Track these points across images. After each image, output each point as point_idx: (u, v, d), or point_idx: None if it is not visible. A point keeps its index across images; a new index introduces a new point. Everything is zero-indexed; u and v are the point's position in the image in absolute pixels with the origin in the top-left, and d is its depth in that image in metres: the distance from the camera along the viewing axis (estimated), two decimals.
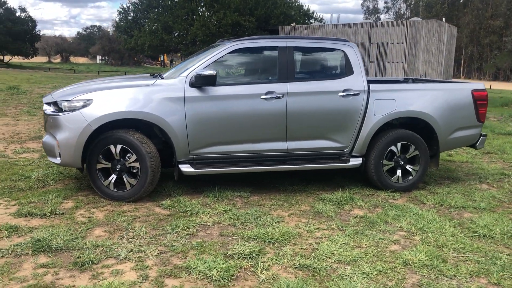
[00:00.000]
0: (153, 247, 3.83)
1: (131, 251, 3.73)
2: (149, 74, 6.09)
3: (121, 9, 37.46)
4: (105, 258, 3.59)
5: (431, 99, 5.83)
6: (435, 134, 5.83)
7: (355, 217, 4.77)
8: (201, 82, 5.01)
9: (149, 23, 33.24)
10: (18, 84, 19.37)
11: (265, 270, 3.51)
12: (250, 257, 3.70)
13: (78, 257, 3.56)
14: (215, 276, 3.33)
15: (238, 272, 3.46)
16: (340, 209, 5.06)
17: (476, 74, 66.51)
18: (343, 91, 5.49)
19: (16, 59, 50.56)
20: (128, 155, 4.98)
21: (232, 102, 5.19)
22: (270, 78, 5.47)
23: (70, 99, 4.92)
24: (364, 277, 3.44)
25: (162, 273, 3.38)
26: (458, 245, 4.11)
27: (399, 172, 5.80)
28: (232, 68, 5.57)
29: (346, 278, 3.41)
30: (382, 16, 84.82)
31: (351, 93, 5.51)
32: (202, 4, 32.00)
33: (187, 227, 4.31)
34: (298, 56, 5.56)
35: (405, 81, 7.35)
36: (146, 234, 4.13)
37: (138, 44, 33.58)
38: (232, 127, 5.22)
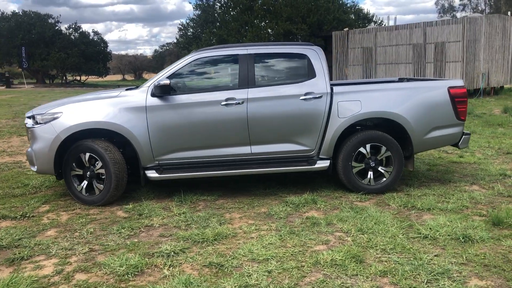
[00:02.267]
0: (87, 246, 4.15)
1: (63, 249, 4.07)
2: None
3: (181, 26, 39.15)
4: (37, 255, 3.97)
5: (401, 98, 5.69)
6: (407, 134, 5.68)
7: (303, 219, 4.80)
8: (158, 91, 5.32)
9: (206, 38, 34.39)
10: None
11: (173, 267, 3.69)
12: (168, 255, 3.90)
13: (14, 254, 3.97)
14: (120, 272, 3.58)
15: (147, 268, 3.68)
16: (295, 211, 5.10)
17: None
18: (305, 94, 5.53)
19: (92, 78, 54.36)
20: (97, 162, 5.38)
21: (192, 109, 5.43)
22: (231, 85, 5.66)
23: (43, 112, 5.43)
24: (265, 275, 3.52)
25: (77, 269, 3.68)
26: (388, 246, 4.02)
27: (370, 174, 5.71)
28: (195, 76, 5.82)
29: (245, 275, 3.50)
30: (458, 14, 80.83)
31: (313, 96, 5.54)
32: (255, 15, 32.58)
33: (132, 228, 4.60)
34: (260, 63, 5.68)
35: (400, 81, 7.18)
36: (90, 234, 4.47)
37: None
38: (194, 134, 5.46)
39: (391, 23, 36.58)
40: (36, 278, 3.50)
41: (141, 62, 71.15)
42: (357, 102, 5.60)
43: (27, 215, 5.05)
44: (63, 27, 46.19)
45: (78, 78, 50.04)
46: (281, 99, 5.53)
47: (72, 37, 45.21)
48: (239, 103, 5.44)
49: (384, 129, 5.80)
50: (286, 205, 5.30)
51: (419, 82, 6.05)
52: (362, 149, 5.64)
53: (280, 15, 32.02)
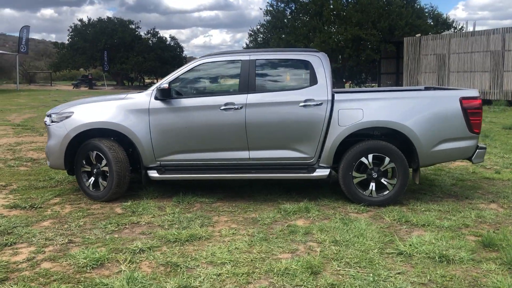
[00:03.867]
0: (67, 238, 4.42)
1: (45, 239, 4.37)
2: None
3: (251, 32, 39.74)
4: (20, 243, 4.29)
5: (407, 108, 5.45)
6: (413, 145, 5.41)
7: (284, 226, 4.75)
8: (159, 95, 5.52)
9: (273, 43, 34.64)
10: None
11: (132, 263, 3.83)
12: (135, 252, 4.05)
13: (2, 240, 4.32)
14: (82, 264, 3.78)
15: (108, 262, 3.86)
16: (284, 218, 5.06)
17: None
18: (304, 101, 5.47)
19: None
20: (102, 160, 5.69)
21: (193, 113, 5.58)
22: (231, 90, 5.73)
23: (58, 111, 5.85)
24: (212, 278, 3.55)
25: (47, 258, 3.94)
26: (354, 260, 3.89)
27: (372, 185, 5.51)
28: (198, 81, 5.95)
29: (192, 277, 3.56)
30: None
31: (313, 103, 5.46)
32: (323, 20, 32.31)
33: (118, 224, 4.82)
34: (261, 69, 5.70)
35: (426, 89, 6.84)
36: (78, 227, 4.75)
37: None
38: (193, 137, 5.60)
39: (471, 29, 34.68)
40: (6, 263, 3.80)
41: None
42: (358, 110, 5.44)
43: (35, 206, 5.46)
44: (142, 32, 48.75)
45: (155, 80, 52.60)
46: (280, 105, 5.51)
47: (150, 42, 47.62)
48: (237, 108, 5.50)
49: (392, 140, 5.57)
50: (278, 212, 5.27)
51: (429, 92, 5.74)
52: (364, 159, 5.46)
53: (350, 20, 31.49)
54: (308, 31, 32.93)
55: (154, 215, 5.16)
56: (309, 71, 5.59)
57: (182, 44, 49.41)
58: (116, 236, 4.52)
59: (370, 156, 5.45)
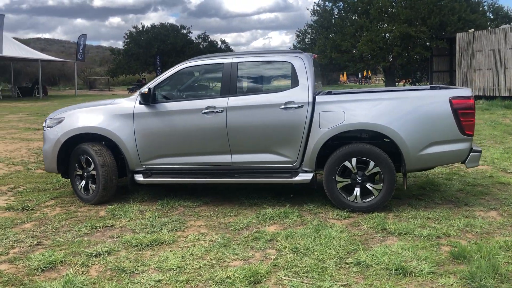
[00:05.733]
0: (38, 240, 4.57)
1: (15, 241, 4.54)
2: None
3: (298, 32, 39.42)
4: None
5: (391, 109, 5.17)
6: (399, 148, 5.13)
7: (252, 232, 4.65)
8: (141, 99, 5.59)
9: (319, 44, 34.18)
10: None
11: (83, 267, 3.89)
12: (91, 256, 4.11)
13: None
14: (34, 266, 3.89)
15: (61, 265, 3.94)
16: (258, 224, 4.96)
17: None
18: (285, 103, 5.34)
19: None
20: (91, 164, 5.84)
21: (175, 117, 5.60)
22: (213, 93, 5.70)
23: (52, 117, 6.07)
24: (150, 284, 3.54)
25: (6, 260, 4.08)
26: (305, 269, 3.74)
27: (357, 190, 5.28)
28: (182, 85, 5.95)
29: (130, 282, 3.56)
30: None
31: (293, 106, 5.31)
32: (371, 19, 31.47)
33: (92, 228, 4.92)
34: (244, 71, 5.63)
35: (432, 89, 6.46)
36: (54, 230, 4.89)
37: None
38: (176, 141, 5.62)
39: None
40: None
41: None
42: (340, 112, 5.22)
43: (28, 208, 5.69)
44: (194, 37, 49.77)
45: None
46: (260, 108, 5.41)
47: (201, 46, 48.55)
48: (218, 112, 5.45)
49: (382, 143, 5.31)
50: (257, 217, 5.16)
51: (416, 92, 5.42)
52: (347, 163, 5.24)
53: (398, 18, 30.44)
54: (355, 30, 32.19)
55: (132, 218, 5.22)
56: (291, 73, 5.45)
57: (242, 47, 49.66)
58: (86, 239, 4.61)
59: (354, 160, 5.22)
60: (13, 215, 5.49)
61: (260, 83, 5.75)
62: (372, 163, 5.18)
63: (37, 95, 32.02)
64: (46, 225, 5.06)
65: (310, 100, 5.30)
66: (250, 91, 5.62)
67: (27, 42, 68.82)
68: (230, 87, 5.51)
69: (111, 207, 5.62)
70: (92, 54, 72.08)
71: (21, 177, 7.58)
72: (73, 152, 5.92)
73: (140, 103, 5.67)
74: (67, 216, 5.37)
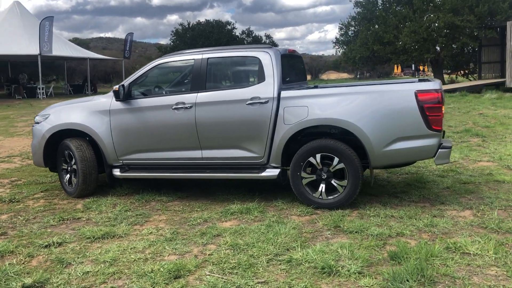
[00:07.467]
0: (3, 230, 4.83)
1: None
2: None
3: (341, 25, 38.63)
4: None
5: (355, 104, 5.02)
6: (362, 144, 4.97)
7: (204, 227, 4.69)
8: (114, 96, 5.75)
9: (362, 36, 33.38)
10: None
11: (25, 257, 4.08)
12: (40, 247, 4.30)
13: None
14: None
15: (8, 255, 4.15)
16: (216, 219, 4.98)
17: None
18: (250, 99, 5.31)
19: None
20: (73, 159, 6.09)
21: (148, 113, 5.72)
22: (183, 89, 5.76)
23: (41, 114, 6.37)
24: (78, 276, 3.66)
25: None
26: (232, 265, 3.74)
27: (322, 186, 5.18)
28: (156, 81, 6.04)
29: (61, 273, 3.71)
30: None
31: (259, 101, 5.28)
32: (414, 9, 30.35)
33: (60, 220, 5.13)
34: (213, 67, 5.65)
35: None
36: (25, 221, 5.15)
37: (349, 58, 34.24)
38: (149, 136, 5.74)
39: None
40: None
41: (318, 62, 72.77)
42: (304, 108, 5.13)
43: (14, 200, 6.02)
44: (238, 32, 50.03)
45: None
46: (227, 103, 5.42)
47: (245, 41, 48.74)
48: (188, 107, 5.51)
49: (349, 139, 5.18)
50: (221, 212, 5.19)
51: (380, 86, 5.21)
52: (312, 159, 5.15)
53: (443, 7, 29.15)
54: (398, 21, 31.17)
55: (101, 211, 5.40)
56: (258, 68, 5.41)
57: (297, 41, 49.45)
58: (49, 230, 4.83)
59: (318, 156, 5.12)
60: None
61: (229, 79, 5.76)
62: (336, 159, 5.06)
63: (86, 92, 33.48)
64: (19, 216, 5.33)
65: (275, 95, 5.24)
66: (218, 87, 5.64)
67: (88, 42, 72.01)
68: (199, 83, 5.56)
69: (88, 200, 5.83)
70: (150, 52, 73.60)
71: (28, 170, 8.00)
72: (59, 147, 6.18)
73: (116, 100, 5.84)
74: (45, 208, 5.63)
